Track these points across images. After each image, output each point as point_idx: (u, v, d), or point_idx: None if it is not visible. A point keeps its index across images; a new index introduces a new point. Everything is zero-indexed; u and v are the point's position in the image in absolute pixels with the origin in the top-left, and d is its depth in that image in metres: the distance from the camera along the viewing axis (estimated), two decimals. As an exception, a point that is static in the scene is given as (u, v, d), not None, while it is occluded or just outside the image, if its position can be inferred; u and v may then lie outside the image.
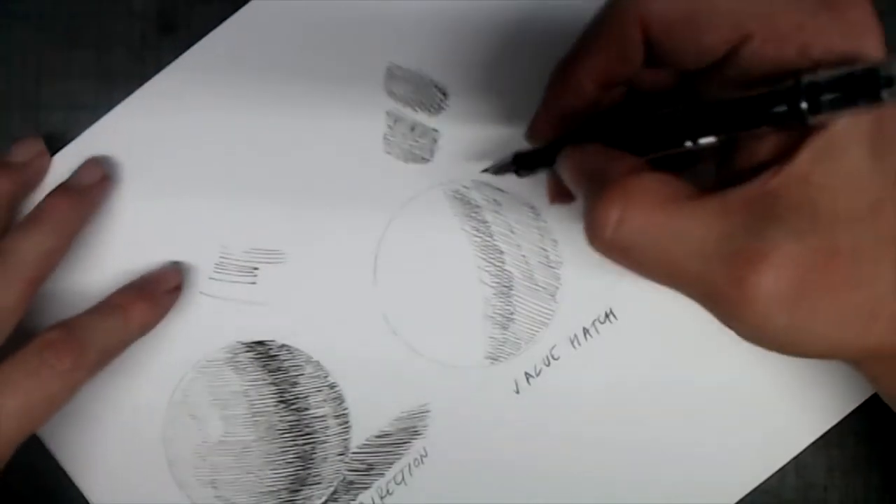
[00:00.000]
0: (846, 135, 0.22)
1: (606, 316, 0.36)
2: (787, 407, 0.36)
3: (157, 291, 0.34)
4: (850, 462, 0.37)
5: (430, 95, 0.36)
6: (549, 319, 0.36)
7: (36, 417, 0.30)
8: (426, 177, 0.36)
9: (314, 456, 0.36)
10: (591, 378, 0.36)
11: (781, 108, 0.22)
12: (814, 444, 0.36)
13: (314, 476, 0.36)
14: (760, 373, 0.36)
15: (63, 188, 0.34)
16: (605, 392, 0.36)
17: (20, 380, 0.30)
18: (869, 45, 0.23)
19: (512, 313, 0.36)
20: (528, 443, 0.36)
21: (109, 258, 0.35)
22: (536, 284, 0.36)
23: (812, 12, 0.23)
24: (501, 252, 0.36)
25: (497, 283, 0.36)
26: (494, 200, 0.36)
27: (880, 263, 0.23)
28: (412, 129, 0.36)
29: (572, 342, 0.36)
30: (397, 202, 0.36)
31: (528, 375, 0.36)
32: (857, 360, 0.27)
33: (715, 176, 0.25)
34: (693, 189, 0.23)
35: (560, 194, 0.31)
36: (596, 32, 0.26)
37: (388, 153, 0.36)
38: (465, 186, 0.36)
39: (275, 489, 0.36)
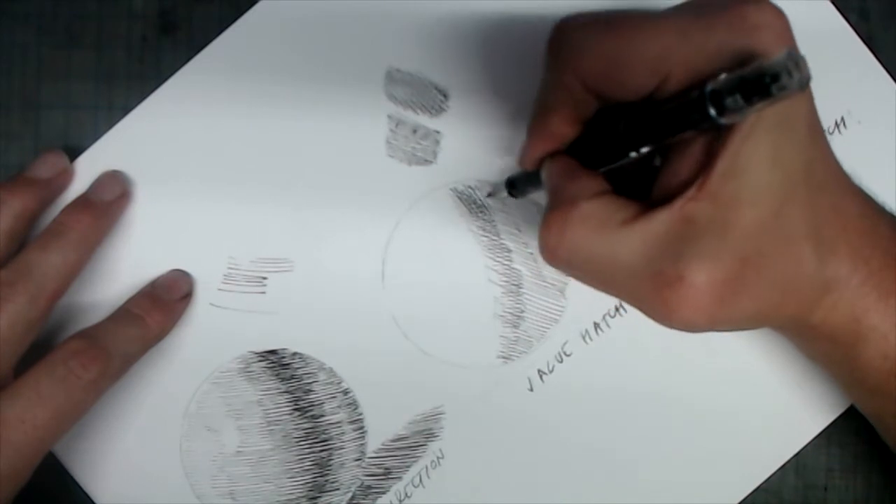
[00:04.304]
0: (747, 153, 0.25)
1: (616, 310, 0.36)
2: (787, 405, 0.36)
3: (171, 299, 0.35)
4: (850, 462, 0.37)
5: (430, 97, 0.36)
6: (559, 316, 0.36)
7: (64, 426, 0.31)
8: (431, 178, 0.36)
9: (331, 462, 0.36)
10: (604, 373, 0.36)
11: (695, 115, 0.24)
12: (814, 443, 0.36)
13: (332, 483, 0.36)
14: (761, 370, 0.36)
15: (84, 202, 0.34)
16: (617, 387, 0.36)
17: (49, 390, 0.30)
18: (767, 48, 0.24)
19: (522, 311, 0.36)
20: (544, 440, 0.36)
21: (117, 272, 0.35)
22: (545, 281, 0.36)
23: (718, 44, 0.25)
24: (509, 250, 0.36)
25: (506, 281, 0.36)
26: (500, 199, 0.36)
27: (787, 258, 0.26)
28: (414, 131, 0.36)
29: (584, 337, 0.36)
30: (403, 205, 0.36)
31: (541, 373, 0.36)
32: (778, 328, 0.30)
33: (653, 192, 0.27)
34: (629, 212, 0.26)
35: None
36: (551, 88, 0.29)
37: (392, 156, 0.36)
38: (470, 186, 0.36)
39: (293, 497, 0.36)
